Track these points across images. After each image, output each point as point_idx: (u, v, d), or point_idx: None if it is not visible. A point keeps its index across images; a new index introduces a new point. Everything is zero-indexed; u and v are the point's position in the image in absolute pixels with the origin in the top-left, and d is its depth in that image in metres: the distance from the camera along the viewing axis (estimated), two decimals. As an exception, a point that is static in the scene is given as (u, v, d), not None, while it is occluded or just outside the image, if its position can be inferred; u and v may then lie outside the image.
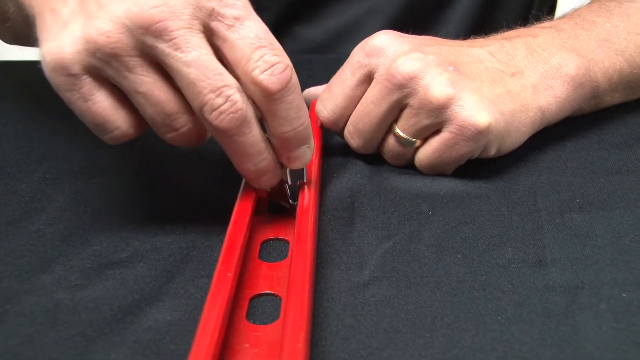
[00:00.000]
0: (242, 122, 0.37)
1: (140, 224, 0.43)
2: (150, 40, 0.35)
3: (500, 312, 0.35)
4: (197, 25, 0.36)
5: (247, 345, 0.32)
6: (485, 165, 0.47)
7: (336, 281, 0.37)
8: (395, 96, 0.45)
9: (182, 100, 0.37)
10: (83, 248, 0.40)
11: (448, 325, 0.34)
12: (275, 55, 0.36)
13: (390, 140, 0.47)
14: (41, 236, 0.42)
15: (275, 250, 0.40)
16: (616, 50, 0.51)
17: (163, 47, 0.35)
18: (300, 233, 0.38)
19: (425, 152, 0.46)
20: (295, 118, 0.38)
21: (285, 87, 0.37)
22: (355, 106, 0.47)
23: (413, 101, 0.44)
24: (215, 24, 0.36)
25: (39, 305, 0.36)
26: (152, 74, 0.36)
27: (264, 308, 0.36)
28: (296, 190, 0.42)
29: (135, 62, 0.36)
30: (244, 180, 0.43)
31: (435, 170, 0.47)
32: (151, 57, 0.36)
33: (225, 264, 0.35)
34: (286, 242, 0.41)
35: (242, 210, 0.40)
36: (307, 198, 0.41)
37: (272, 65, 0.36)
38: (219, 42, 0.37)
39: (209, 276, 0.38)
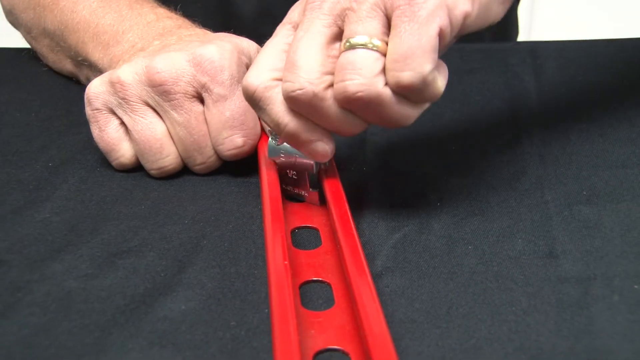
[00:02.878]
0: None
1: (147, 212, 0.43)
2: (156, 96, 0.44)
3: (514, 303, 0.35)
4: (191, 91, 0.44)
5: (313, 331, 0.32)
6: (491, 156, 0.47)
7: (349, 272, 0.37)
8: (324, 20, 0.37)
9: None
10: (91, 237, 0.40)
11: (463, 316, 0.34)
12: (242, 137, 0.45)
13: (340, 61, 0.36)
14: (48, 225, 0.41)
15: (305, 238, 0.40)
16: None
17: (164, 104, 0.45)
18: (342, 220, 0.38)
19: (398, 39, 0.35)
20: None
21: None
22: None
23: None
24: (205, 95, 0.45)
25: (51, 294, 0.35)
26: (150, 117, 0.45)
27: (313, 295, 0.36)
28: (316, 178, 0.43)
29: (139, 107, 0.45)
30: (264, 168, 0.43)
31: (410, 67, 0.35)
32: (153, 107, 0.45)
33: (277, 252, 0.35)
34: (314, 229, 0.41)
35: (274, 198, 0.40)
36: (333, 185, 0.41)
37: (236, 147, 0.45)
38: (205, 107, 0.45)
39: (221, 266, 0.38)
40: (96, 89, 0.45)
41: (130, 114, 0.45)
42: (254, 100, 0.38)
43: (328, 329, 0.33)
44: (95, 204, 0.44)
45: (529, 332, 0.33)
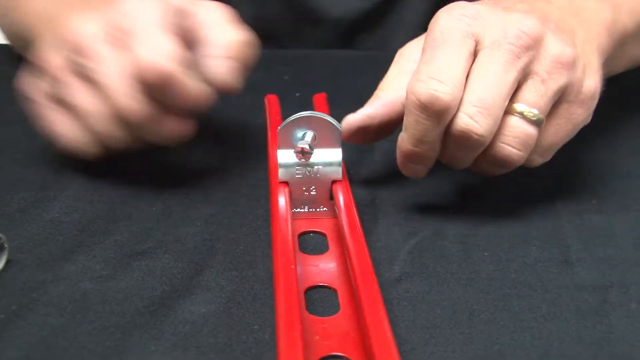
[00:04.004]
0: None
1: (159, 214, 0.42)
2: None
3: (534, 310, 0.35)
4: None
5: (317, 337, 0.32)
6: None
7: (367, 276, 0.37)
8: (523, 61, 0.38)
9: None
10: (104, 238, 0.40)
11: (485, 322, 0.34)
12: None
13: (513, 123, 0.39)
14: (57, 225, 0.41)
15: (311, 244, 0.40)
16: None
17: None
18: (350, 225, 0.38)
19: (551, 131, 0.40)
20: None
21: None
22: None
23: (539, 66, 0.39)
24: None
25: (66, 295, 0.35)
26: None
27: (318, 300, 0.35)
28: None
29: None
30: (274, 172, 0.42)
31: (546, 155, 0.42)
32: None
33: (285, 257, 0.35)
34: (322, 235, 0.40)
35: (282, 203, 0.40)
36: (344, 193, 0.41)
37: None
38: None
39: (238, 269, 0.37)
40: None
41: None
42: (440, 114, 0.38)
43: (332, 335, 0.33)
44: (104, 204, 0.43)
45: (552, 339, 0.33)
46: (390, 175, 0.47)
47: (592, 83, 0.40)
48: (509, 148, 0.39)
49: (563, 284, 0.37)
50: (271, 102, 0.54)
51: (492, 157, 0.40)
